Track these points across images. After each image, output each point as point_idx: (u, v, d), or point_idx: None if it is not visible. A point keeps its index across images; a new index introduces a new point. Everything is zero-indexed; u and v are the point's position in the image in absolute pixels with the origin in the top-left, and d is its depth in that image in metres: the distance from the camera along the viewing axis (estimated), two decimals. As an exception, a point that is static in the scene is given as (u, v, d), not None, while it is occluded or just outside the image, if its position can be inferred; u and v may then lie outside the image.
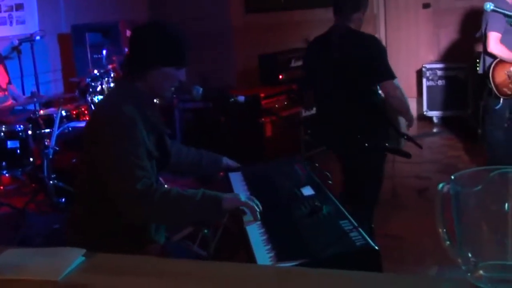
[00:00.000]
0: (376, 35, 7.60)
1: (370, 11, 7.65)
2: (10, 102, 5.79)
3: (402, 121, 4.10)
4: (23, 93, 6.22)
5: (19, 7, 6.66)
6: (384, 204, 4.91)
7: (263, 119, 6.20)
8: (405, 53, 8.05)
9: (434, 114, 7.75)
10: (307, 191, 2.65)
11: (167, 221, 2.69)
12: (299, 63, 7.01)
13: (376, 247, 1.99)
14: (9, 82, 5.96)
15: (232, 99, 3.06)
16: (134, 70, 2.69)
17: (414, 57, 8.04)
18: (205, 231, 3.11)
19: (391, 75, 4.02)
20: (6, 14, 6.53)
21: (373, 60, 4.02)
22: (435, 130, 7.58)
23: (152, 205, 2.44)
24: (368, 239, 2.04)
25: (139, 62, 2.68)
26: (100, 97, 5.40)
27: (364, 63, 4.01)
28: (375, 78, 4.03)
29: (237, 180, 3.05)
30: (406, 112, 4.05)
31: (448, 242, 1.20)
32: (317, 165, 4.22)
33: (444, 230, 1.19)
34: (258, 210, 2.44)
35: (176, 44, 2.67)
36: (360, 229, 2.13)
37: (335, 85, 4.10)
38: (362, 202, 3.87)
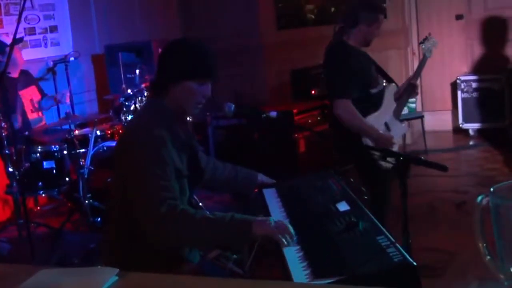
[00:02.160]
0: (408, 48, 7.57)
1: (402, 23, 7.60)
2: (44, 123, 5.86)
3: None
4: (58, 114, 6.30)
5: (54, 29, 6.76)
6: (422, 218, 4.85)
7: (296, 135, 6.18)
8: (438, 65, 7.96)
9: (470, 127, 7.64)
10: (343, 206, 2.62)
11: (192, 244, 2.62)
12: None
13: (414, 263, 1.96)
14: (43, 97, 6.02)
15: (264, 115, 3.04)
16: (158, 86, 2.70)
17: (448, 69, 7.96)
18: (234, 256, 3.06)
19: (337, 93, 4.13)
20: (40, 36, 6.63)
21: (330, 74, 4.24)
22: (471, 142, 7.47)
23: (175, 228, 2.41)
24: (406, 254, 2.01)
25: (162, 77, 2.69)
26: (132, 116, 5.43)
27: (327, 77, 4.29)
28: (329, 93, 4.23)
29: (271, 196, 3.03)
30: (358, 132, 4.11)
31: (488, 257, 1.16)
32: (352, 180, 4.19)
33: (484, 244, 1.15)
34: (289, 236, 2.34)
35: (197, 59, 2.65)
36: (397, 245, 2.09)
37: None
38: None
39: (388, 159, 4.06)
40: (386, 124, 4.22)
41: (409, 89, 4.33)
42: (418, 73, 4.42)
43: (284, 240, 2.32)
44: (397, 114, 4.35)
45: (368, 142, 4.12)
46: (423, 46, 4.41)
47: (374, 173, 4.07)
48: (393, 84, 4.44)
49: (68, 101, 6.00)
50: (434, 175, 5.88)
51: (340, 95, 4.10)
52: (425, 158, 3.90)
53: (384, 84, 4.45)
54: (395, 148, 4.21)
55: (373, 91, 4.27)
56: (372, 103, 4.22)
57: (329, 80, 4.23)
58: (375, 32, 4.28)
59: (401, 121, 4.47)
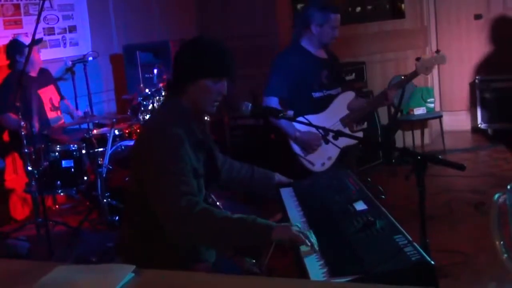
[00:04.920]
0: (427, 48, 7.52)
1: (421, 23, 7.56)
2: (62, 121, 5.89)
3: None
4: (77, 114, 6.33)
5: (72, 29, 6.80)
6: (439, 219, 4.83)
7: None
8: (457, 65, 7.91)
9: (489, 127, 7.58)
10: (360, 206, 2.61)
11: (211, 242, 2.58)
12: (350, 77, 6.97)
13: (432, 262, 1.94)
14: (62, 98, 6.06)
15: (281, 115, 3.04)
16: (175, 85, 2.71)
17: (467, 69, 7.91)
18: (248, 260, 3.04)
19: (265, 90, 4.30)
20: (59, 36, 6.67)
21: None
22: (490, 143, 7.40)
23: (194, 224, 2.39)
24: (424, 254, 2.00)
25: (179, 76, 2.70)
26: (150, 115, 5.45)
27: None
28: None
29: (288, 196, 3.03)
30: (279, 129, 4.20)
31: (505, 255, 1.15)
32: (369, 179, 4.18)
33: (502, 242, 1.14)
34: (310, 242, 2.28)
35: (212, 56, 2.66)
36: (415, 244, 2.08)
37: None
38: None
39: (312, 162, 4.12)
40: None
41: (380, 97, 4.29)
42: (399, 84, 4.30)
43: (306, 243, 2.27)
44: (346, 122, 4.30)
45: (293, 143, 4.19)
46: (418, 63, 4.17)
47: (295, 171, 4.05)
48: (351, 92, 4.41)
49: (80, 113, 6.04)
50: (452, 175, 5.84)
51: (266, 93, 4.26)
52: (443, 158, 3.87)
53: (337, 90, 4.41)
54: (329, 154, 4.21)
55: (316, 95, 4.27)
56: (311, 107, 4.21)
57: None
58: (329, 32, 4.26)
59: (354, 130, 4.43)
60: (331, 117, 4.25)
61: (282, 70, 4.24)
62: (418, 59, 4.19)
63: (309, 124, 2.99)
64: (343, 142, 4.06)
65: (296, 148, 4.19)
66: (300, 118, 3.93)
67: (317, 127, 2.93)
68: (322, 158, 4.20)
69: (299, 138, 4.16)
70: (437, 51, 4.22)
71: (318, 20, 4.21)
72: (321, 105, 4.27)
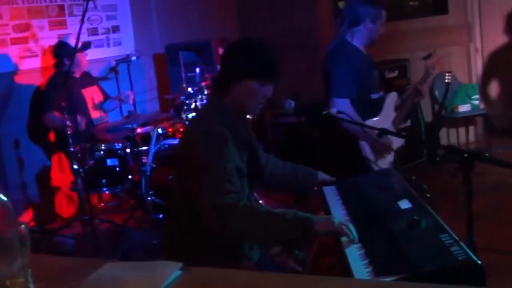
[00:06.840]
0: (471, 44, 7.42)
1: (464, 19, 7.46)
2: (106, 121, 5.96)
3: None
4: (121, 113, 6.40)
5: (116, 29, 6.88)
6: (488, 217, 4.76)
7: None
8: (503, 62, 7.78)
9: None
10: (404, 204, 2.59)
11: (253, 238, 2.59)
12: (393, 74, 6.92)
13: (479, 262, 1.92)
14: (108, 98, 6.11)
15: (325, 112, 3.03)
16: (220, 84, 2.72)
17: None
18: (296, 252, 3.04)
19: (336, 92, 4.00)
20: (103, 37, 6.75)
21: (329, 74, 4.08)
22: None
23: (237, 219, 2.41)
24: (470, 253, 1.97)
25: (224, 76, 2.71)
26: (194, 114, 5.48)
27: (326, 77, 4.11)
28: (327, 93, 4.08)
29: (331, 194, 3.02)
30: (356, 134, 4.00)
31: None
32: (413, 177, 4.13)
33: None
34: (352, 234, 2.31)
35: (262, 59, 2.66)
36: (461, 243, 2.06)
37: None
38: None
39: (379, 167, 4.00)
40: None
41: (414, 94, 4.20)
42: (423, 81, 4.25)
43: (349, 234, 2.30)
44: (396, 124, 4.22)
45: (364, 146, 4.03)
46: (427, 62, 4.23)
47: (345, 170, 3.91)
48: (394, 92, 4.31)
49: (131, 102, 6.11)
50: (499, 173, 5.75)
51: (339, 94, 3.99)
52: (490, 155, 3.81)
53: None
54: (390, 158, 4.12)
55: (374, 96, 4.16)
56: (371, 109, 4.10)
57: (328, 79, 4.09)
58: (379, 29, 4.17)
59: (398, 129, 4.33)
60: (386, 119, 4.14)
61: (347, 68, 4.03)
62: (424, 58, 4.25)
63: (363, 125, 2.98)
64: (397, 144, 4.08)
65: (368, 152, 4.05)
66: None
67: (377, 129, 2.93)
68: (387, 163, 4.12)
69: (381, 142, 3.95)
70: (434, 50, 4.33)
71: (372, 16, 4.11)
72: (377, 107, 4.16)
